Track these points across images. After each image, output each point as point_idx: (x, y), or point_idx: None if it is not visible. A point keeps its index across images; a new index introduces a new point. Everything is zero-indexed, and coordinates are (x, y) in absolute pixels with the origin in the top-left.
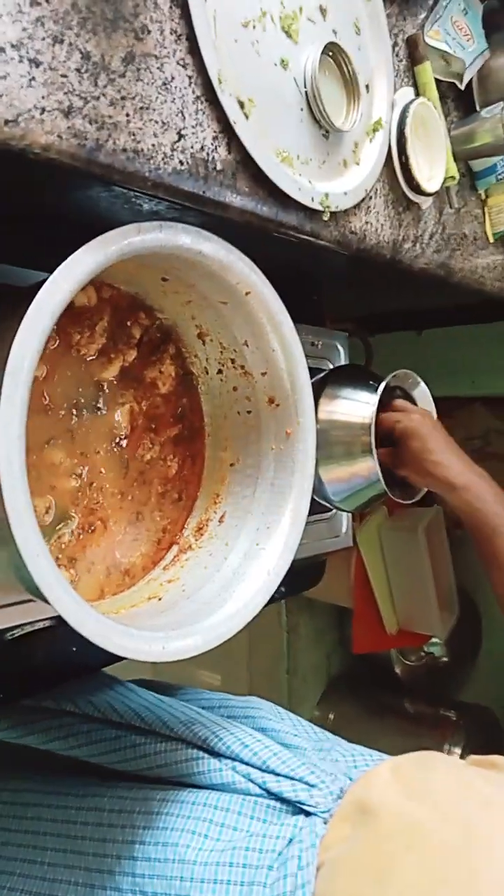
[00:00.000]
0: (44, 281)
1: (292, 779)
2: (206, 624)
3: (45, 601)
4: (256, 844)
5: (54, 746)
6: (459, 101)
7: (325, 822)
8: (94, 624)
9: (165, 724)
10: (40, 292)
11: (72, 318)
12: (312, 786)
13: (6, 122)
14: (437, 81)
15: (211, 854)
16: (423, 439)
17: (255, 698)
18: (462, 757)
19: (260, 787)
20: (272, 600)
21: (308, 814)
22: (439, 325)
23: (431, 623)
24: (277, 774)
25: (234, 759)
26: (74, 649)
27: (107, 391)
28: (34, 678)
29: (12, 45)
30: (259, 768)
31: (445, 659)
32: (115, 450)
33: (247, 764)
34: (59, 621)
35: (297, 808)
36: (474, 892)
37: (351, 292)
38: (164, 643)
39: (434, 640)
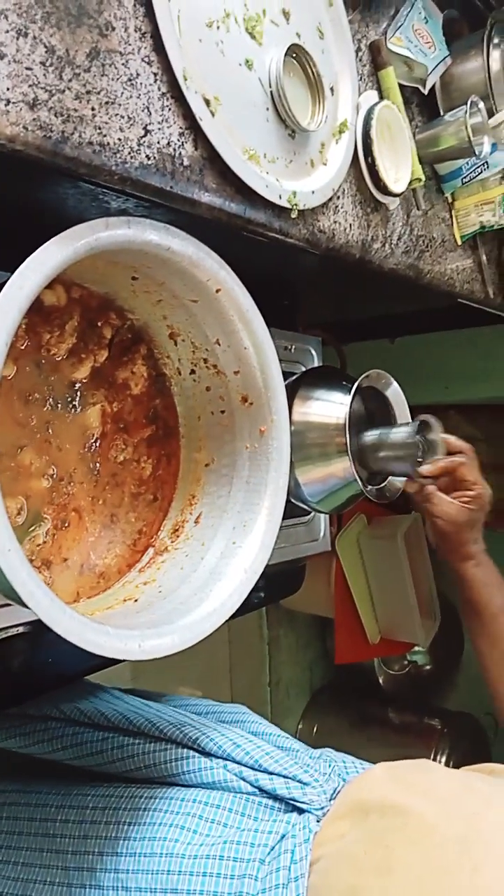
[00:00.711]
0: (7, 280)
1: (285, 777)
2: (183, 623)
3: (18, 600)
4: (248, 839)
5: (36, 750)
6: (423, 106)
7: (319, 820)
8: (69, 621)
9: (154, 726)
10: (7, 284)
11: (42, 317)
12: (305, 784)
13: None
14: (401, 86)
15: (200, 848)
16: (481, 514)
17: (243, 706)
18: (448, 766)
19: (252, 784)
20: (252, 606)
21: (301, 811)
22: (411, 333)
23: (413, 631)
24: (270, 773)
25: (225, 759)
26: (50, 660)
27: (78, 392)
28: (11, 688)
29: None
30: (251, 767)
31: (428, 667)
32: (88, 451)
33: (239, 763)
34: (34, 627)
35: (290, 806)
36: (476, 885)
37: (323, 300)
38: (140, 641)
39: (417, 648)
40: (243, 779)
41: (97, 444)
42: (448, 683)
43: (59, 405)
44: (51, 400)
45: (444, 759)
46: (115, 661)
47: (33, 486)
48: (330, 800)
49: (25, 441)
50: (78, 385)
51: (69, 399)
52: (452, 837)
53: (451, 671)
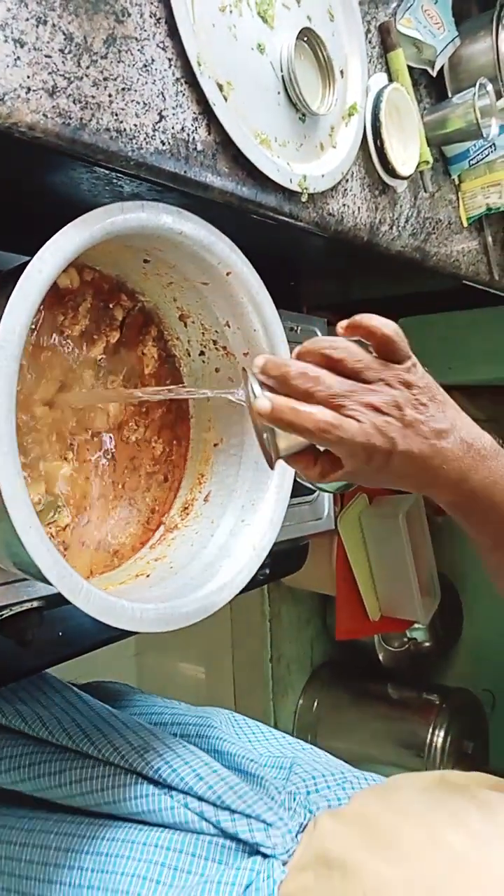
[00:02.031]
0: (27, 263)
1: (248, 816)
2: (194, 597)
3: (38, 575)
4: (211, 890)
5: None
6: (432, 88)
7: (284, 863)
8: (86, 595)
9: (117, 750)
10: (28, 268)
11: (56, 299)
12: (269, 824)
13: None
14: (410, 68)
15: None
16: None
17: (212, 710)
18: (446, 740)
19: (214, 826)
20: (257, 582)
21: (266, 856)
22: (415, 314)
23: (413, 608)
24: (232, 811)
25: (187, 794)
26: (60, 634)
27: (93, 374)
28: (21, 663)
29: None
30: (213, 804)
31: (428, 644)
32: (104, 433)
33: (200, 799)
34: (46, 602)
35: (253, 849)
36: None
37: (328, 280)
38: (154, 614)
39: (416, 625)
40: (205, 818)
41: (113, 426)
42: (447, 660)
43: (76, 387)
44: (67, 383)
45: (441, 734)
46: (122, 636)
47: (52, 471)
48: (296, 836)
49: (44, 423)
50: (93, 368)
51: (85, 381)
52: None
53: (450, 648)
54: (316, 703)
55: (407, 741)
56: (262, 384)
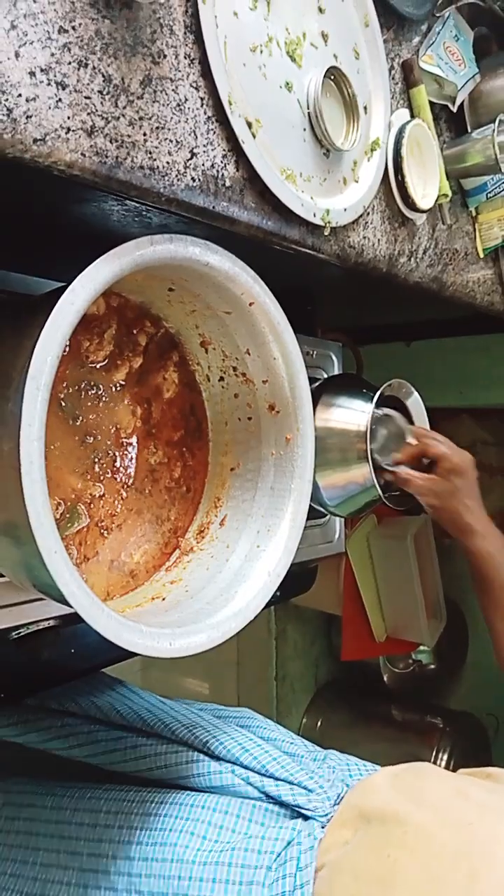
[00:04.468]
0: (59, 289)
1: (290, 783)
2: (210, 622)
3: (59, 598)
4: (255, 846)
5: (54, 745)
6: (452, 122)
7: (323, 827)
8: (106, 619)
9: (167, 727)
10: (60, 301)
11: (82, 325)
12: (310, 790)
13: (35, 140)
14: (431, 103)
15: (209, 854)
16: (467, 482)
17: (248, 710)
18: (449, 764)
19: (259, 790)
20: (267, 605)
21: (306, 818)
22: (428, 337)
23: (419, 630)
24: (276, 778)
25: (233, 763)
26: (73, 651)
27: (115, 396)
28: (36, 678)
29: (41, 70)
30: (258, 772)
31: (433, 666)
32: (124, 453)
33: (246, 768)
34: (62, 621)
35: (295, 812)
36: (474, 893)
37: (343, 305)
38: (170, 640)
39: (422, 647)
40: (250, 784)
41: (133, 447)
42: (451, 683)
43: (98, 410)
44: (90, 404)
45: (444, 757)
46: (132, 655)
47: (73, 486)
48: (334, 805)
49: (66, 443)
50: (115, 389)
51: (107, 403)
52: (450, 846)
53: (455, 671)
54: (319, 723)
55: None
56: None
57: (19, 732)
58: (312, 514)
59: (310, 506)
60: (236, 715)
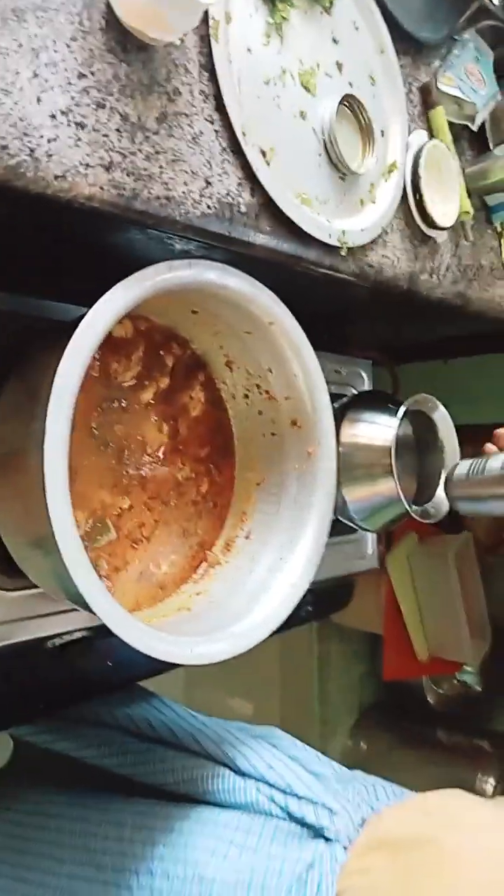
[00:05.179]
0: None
1: (314, 803)
2: (233, 631)
3: (84, 605)
4: (276, 866)
5: (87, 754)
6: (474, 141)
7: (346, 849)
8: (127, 625)
9: (196, 740)
10: (81, 324)
11: (110, 348)
12: (333, 811)
13: (56, 176)
14: (451, 123)
15: (230, 874)
16: None
17: (277, 729)
18: (497, 788)
19: (282, 809)
20: (300, 619)
21: (328, 839)
22: (465, 355)
23: (463, 650)
24: (300, 798)
25: (258, 780)
26: (109, 664)
27: (143, 414)
28: (74, 690)
29: (62, 112)
30: (282, 790)
31: (478, 688)
32: (152, 468)
33: (271, 786)
34: (95, 632)
35: (317, 833)
36: None
37: (374, 325)
38: (191, 647)
39: (467, 668)
40: (274, 802)
41: (161, 463)
42: (498, 705)
43: (127, 429)
44: (119, 424)
45: (492, 781)
46: (169, 668)
47: (101, 500)
48: (358, 827)
49: (96, 458)
50: (143, 409)
51: (136, 423)
52: (484, 876)
53: (502, 693)
54: (364, 745)
55: (456, 787)
56: None
57: (54, 739)
58: (343, 529)
59: (340, 521)
60: (264, 733)
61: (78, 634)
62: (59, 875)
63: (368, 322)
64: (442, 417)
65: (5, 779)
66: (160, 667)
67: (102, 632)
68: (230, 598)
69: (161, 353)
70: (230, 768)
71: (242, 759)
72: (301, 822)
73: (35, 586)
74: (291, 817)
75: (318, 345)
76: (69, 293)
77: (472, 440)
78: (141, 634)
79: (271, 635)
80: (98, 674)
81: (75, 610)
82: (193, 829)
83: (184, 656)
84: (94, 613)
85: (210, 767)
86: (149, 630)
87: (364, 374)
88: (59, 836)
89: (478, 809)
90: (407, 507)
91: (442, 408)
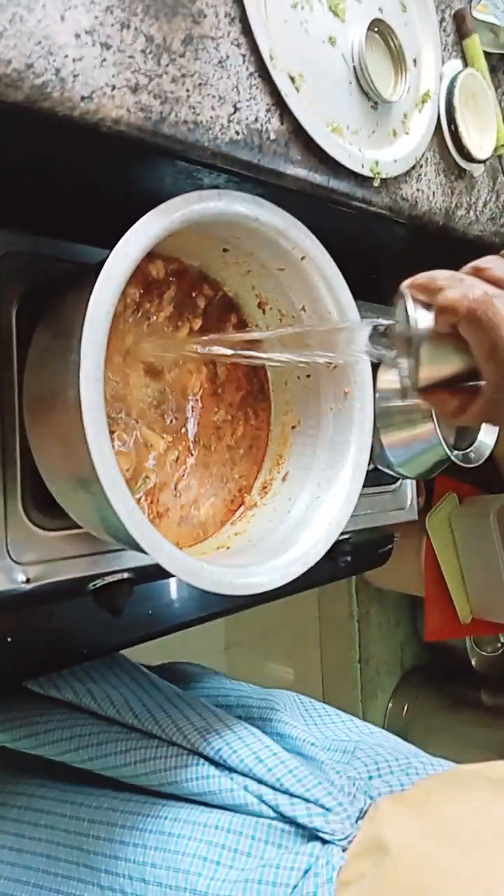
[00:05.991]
0: None
1: (307, 801)
2: (271, 565)
3: (126, 538)
4: (270, 877)
5: (68, 759)
6: None
7: (344, 850)
8: (168, 552)
9: (181, 731)
10: (112, 252)
11: (144, 288)
12: (328, 809)
13: (82, 98)
14: (487, 53)
15: (223, 885)
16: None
17: (277, 692)
18: None
19: (273, 809)
20: (339, 571)
21: (324, 841)
22: None
23: None
24: (292, 795)
25: (247, 776)
26: (150, 612)
27: (181, 359)
28: (115, 636)
29: (86, 31)
30: (273, 787)
31: None
32: (192, 410)
33: (260, 782)
34: (137, 574)
35: (312, 833)
36: None
37: (408, 270)
38: (232, 578)
39: None
40: (265, 802)
41: (199, 405)
42: None
43: (165, 371)
44: (158, 367)
45: None
46: (209, 617)
47: (147, 440)
48: (356, 822)
49: (137, 403)
50: (181, 353)
51: (173, 365)
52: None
53: None
54: (406, 707)
55: (500, 749)
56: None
57: (31, 745)
58: (383, 479)
59: (378, 469)
60: (258, 704)
61: (119, 576)
62: (55, 876)
63: (403, 270)
64: None
65: None
66: (200, 615)
67: (143, 575)
68: (268, 536)
69: (193, 294)
70: (218, 764)
71: (230, 751)
72: (294, 823)
73: (75, 526)
74: (283, 818)
75: (354, 294)
76: (97, 237)
77: None
78: (184, 563)
79: (312, 583)
80: (139, 622)
81: (116, 551)
82: (184, 833)
83: (226, 586)
84: (138, 546)
85: (196, 766)
86: (191, 559)
87: None
88: (53, 833)
89: (485, 813)
90: (447, 450)
91: None
